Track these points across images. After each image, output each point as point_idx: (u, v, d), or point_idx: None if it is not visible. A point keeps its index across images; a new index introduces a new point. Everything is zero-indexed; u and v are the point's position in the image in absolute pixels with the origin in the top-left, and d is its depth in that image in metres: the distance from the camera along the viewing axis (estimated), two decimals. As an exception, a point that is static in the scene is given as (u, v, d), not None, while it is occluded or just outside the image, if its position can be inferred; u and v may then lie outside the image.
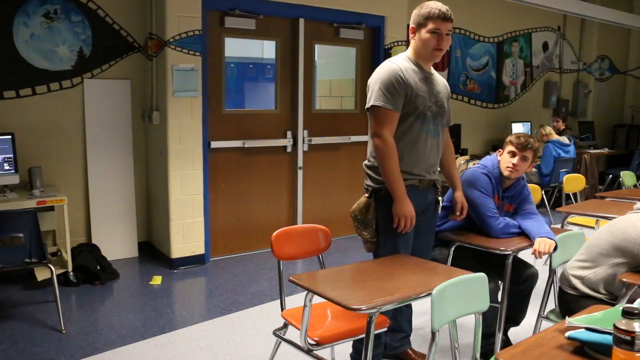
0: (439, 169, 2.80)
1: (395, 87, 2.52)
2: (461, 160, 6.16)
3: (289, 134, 5.06)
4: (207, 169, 4.56)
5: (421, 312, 3.61)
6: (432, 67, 2.71)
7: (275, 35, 4.90)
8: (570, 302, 2.49)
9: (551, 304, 2.85)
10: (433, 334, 1.90)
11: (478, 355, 2.14)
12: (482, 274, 2.09)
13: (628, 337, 1.36)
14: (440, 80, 2.75)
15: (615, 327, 1.39)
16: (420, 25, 2.57)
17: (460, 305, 2.00)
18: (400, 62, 2.60)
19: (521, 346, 1.63)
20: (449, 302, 1.94)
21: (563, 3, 6.33)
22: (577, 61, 8.61)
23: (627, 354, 1.36)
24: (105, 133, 4.50)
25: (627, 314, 1.38)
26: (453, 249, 2.91)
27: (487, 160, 3.04)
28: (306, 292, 2.12)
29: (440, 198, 2.84)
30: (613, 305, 2.30)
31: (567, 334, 1.62)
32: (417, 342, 3.23)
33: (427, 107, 2.60)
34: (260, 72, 5.09)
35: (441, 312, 1.90)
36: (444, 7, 2.55)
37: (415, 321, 3.50)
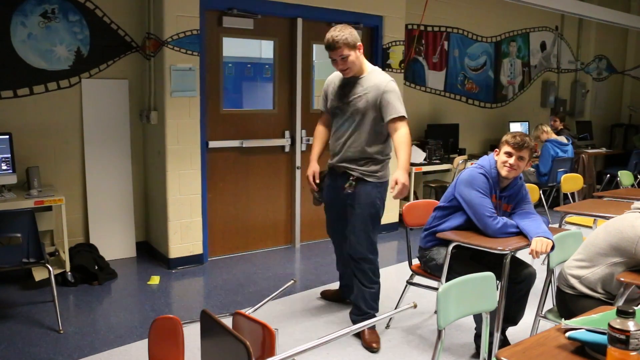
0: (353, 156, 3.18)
1: (323, 93, 3.38)
2: (459, 160, 6.17)
3: (287, 133, 5.06)
4: (205, 169, 4.56)
5: (418, 312, 3.61)
6: (365, 71, 3.16)
7: (273, 35, 4.90)
8: (568, 301, 2.49)
9: (549, 304, 2.86)
10: (439, 332, 1.90)
11: (486, 355, 2.15)
12: (489, 273, 2.09)
13: (622, 336, 1.37)
14: (369, 81, 3.12)
15: (610, 326, 1.39)
16: None
17: (467, 304, 2.01)
18: (334, 74, 3.32)
19: (522, 345, 1.64)
20: (455, 301, 1.94)
21: (561, 3, 6.33)
22: (574, 61, 8.63)
23: (622, 352, 1.37)
24: (103, 133, 4.50)
25: (622, 313, 1.39)
26: (451, 248, 2.92)
27: (485, 160, 3.04)
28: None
29: (348, 184, 3.16)
30: (611, 304, 2.31)
31: (567, 333, 1.62)
32: (416, 341, 3.24)
33: (335, 107, 3.22)
34: (258, 72, 5.08)
35: (447, 311, 1.90)
36: (330, 38, 3.02)
37: (414, 320, 3.51)
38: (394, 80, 3.17)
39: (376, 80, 3.11)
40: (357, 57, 3.09)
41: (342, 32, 3.02)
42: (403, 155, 3.03)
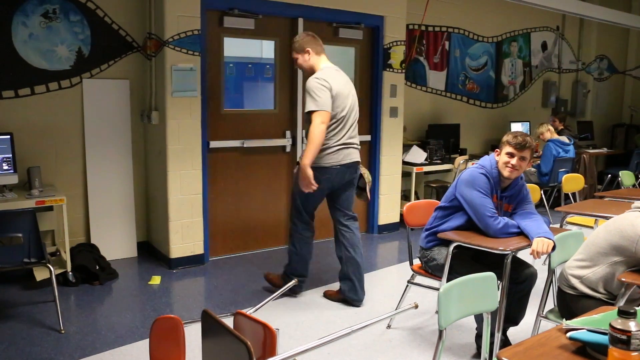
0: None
1: None
2: (460, 160, 6.17)
3: (288, 133, 5.06)
4: (206, 169, 4.55)
5: (419, 312, 3.61)
6: (315, 72, 3.57)
7: (274, 35, 4.90)
8: (569, 301, 2.49)
9: (550, 304, 2.85)
10: (440, 332, 1.90)
11: (487, 355, 2.14)
12: (490, 273, 2.09)
13: (624, 337, 1.36)
14: None
15: (611, 326, 1.39)
16: None
17: (468, 304, 2.00)
18: None
19: (523, 345, 1.64)
20: (456, 301, 1.94)
21: (562, 3, 6.32)
22: (576, 61, 8.62)
23: (623, 353, 1.37)
24: (104, 133, 4.50)
25: (623, 313, 1.39)
26: (452, 248, 2.92)
27: (485, 160, 3.03)
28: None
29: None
30: (612, 305, 2.31)
31: (569, 334, 1.62)
32: (417, 341, 3.24)
33: None
34: (259, 72, 5.08)
35: (448, 311, 1.90)
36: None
37: (415, 321, 3.51)
38: (319, 78, 3.46)
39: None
40: (305, 60, 3.59)
41: (296, 39, 3.60)
42: (306, 149, 3.41)
